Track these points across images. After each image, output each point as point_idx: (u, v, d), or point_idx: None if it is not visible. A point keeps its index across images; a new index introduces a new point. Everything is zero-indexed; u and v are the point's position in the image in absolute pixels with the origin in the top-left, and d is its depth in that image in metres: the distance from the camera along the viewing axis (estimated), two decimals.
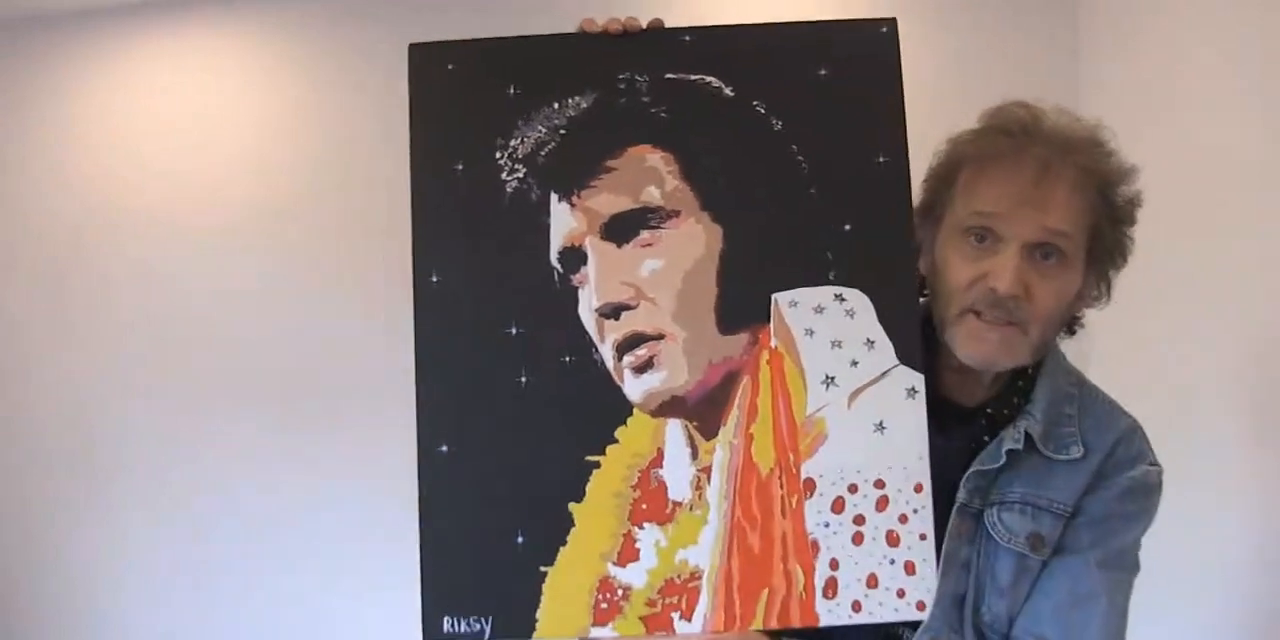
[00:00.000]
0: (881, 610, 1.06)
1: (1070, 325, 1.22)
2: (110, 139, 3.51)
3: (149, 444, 3.46)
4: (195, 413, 3.42)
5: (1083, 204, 1.11)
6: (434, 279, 1.09)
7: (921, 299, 1.17)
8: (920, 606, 1.06)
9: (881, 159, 1.08)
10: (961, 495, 1.14)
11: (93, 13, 3.49)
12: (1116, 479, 1.15)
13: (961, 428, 1.18)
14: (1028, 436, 1.14)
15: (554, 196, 1.09)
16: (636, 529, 1.07)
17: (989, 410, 1.18)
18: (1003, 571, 1.13)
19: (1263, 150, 1.93)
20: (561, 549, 1.07)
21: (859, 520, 1.07)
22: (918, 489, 1.07)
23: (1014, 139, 1.12)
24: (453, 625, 1.07)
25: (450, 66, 1.11)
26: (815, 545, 1.06)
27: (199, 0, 3.45)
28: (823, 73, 1.10)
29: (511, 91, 1.10)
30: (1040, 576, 1.14)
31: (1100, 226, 1.13)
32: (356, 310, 3.30)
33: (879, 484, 1.07)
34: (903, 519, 1.07)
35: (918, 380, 1.07)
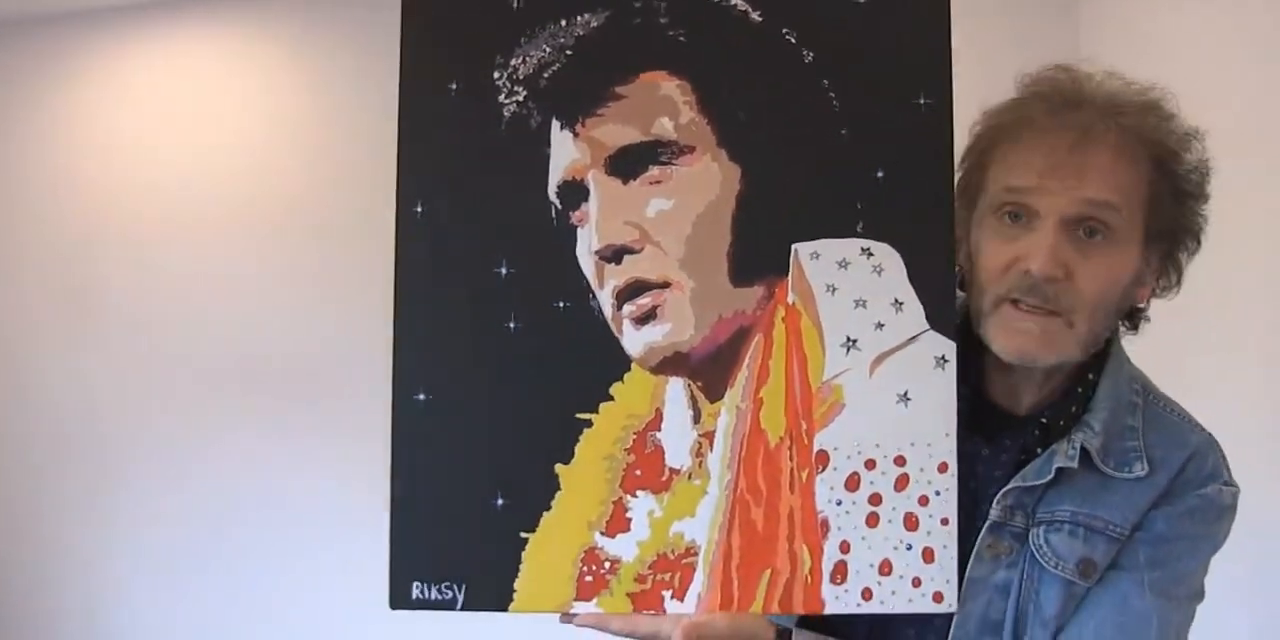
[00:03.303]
0: (894, 600, 0.95)
1: (1132, 318, 1.08)
2: (111, 139, 3.52)
3: (152, 443, 3.47)
4: (197, 412, 3.44)
5: (1132, 172, 0.98)
6: (418, 209, 0.99)
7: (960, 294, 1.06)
8: (938, 598, 0.95)
9: (924, 100, 0.96)
10: (995, 513, 1.03)
11: (93, 13, 3.50)
12: (1184, 497, 1.03)
13: (1012, 438, 1.05)
14: (1083, 451, 1.01)
15: (556, 124, 0.98)
16: (628, 497, 0.97)
17: (1044, 419, 1.04)
18: (1048, 600, 1.01)
19: (1266, 145, 1.91)
20: (545, 514, 0.97)
21: (875, 500, 0.96)
22: (941, 469, 0.96)
23: (1050, 105, 1.00)
24: (422, 591, 0.97)
25: None
26: (825, 525, 0.96)
27: (191, 4, 3.45)
28: (861, 0, 0.98)
29: (515, 4, 0.99)
30: (1086, 592, 1.02)
31: (1159, 200, 1.00)
32: (359, 310, 3.17)
33: (899, 461, 0.96)
34: (923, 501, 0.96)
35: (949, 348, 0.96)
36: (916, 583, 0.95)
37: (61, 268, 3.56)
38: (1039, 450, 1.03)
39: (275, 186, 3.40)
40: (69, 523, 3.52)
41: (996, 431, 1.06)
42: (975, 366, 1.05)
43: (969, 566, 1.02)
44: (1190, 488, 1.03)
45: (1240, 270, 1.99)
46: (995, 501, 1.02)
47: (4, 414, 3.63)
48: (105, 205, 3.51)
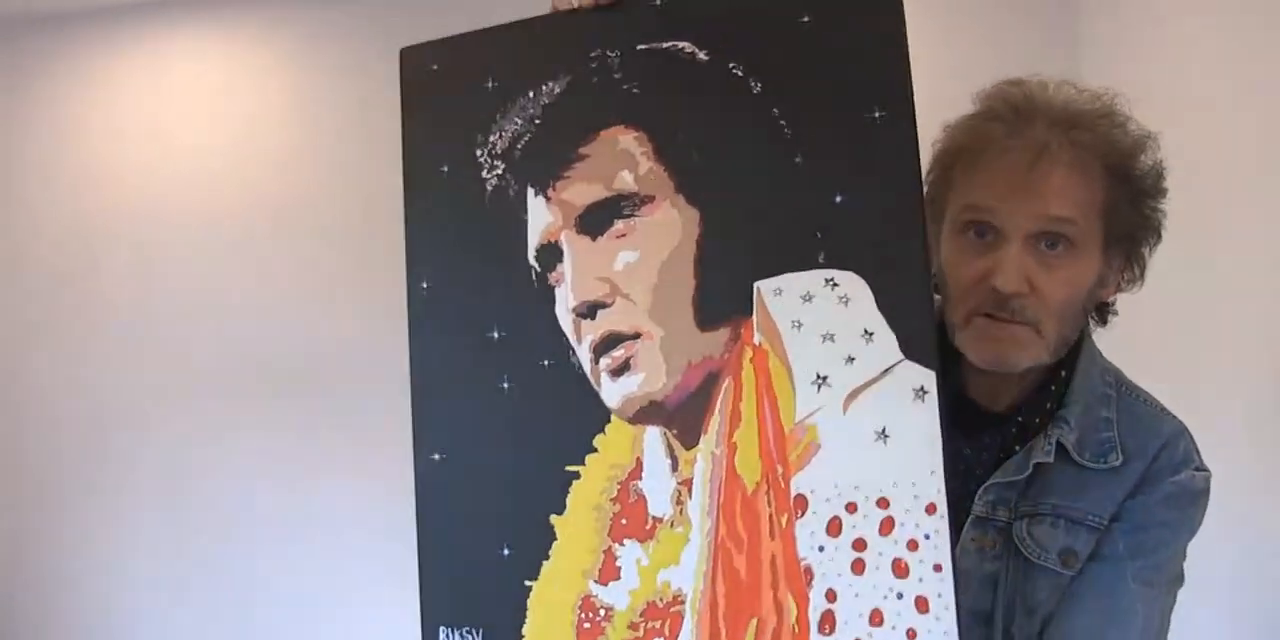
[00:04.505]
0: None
1: (1100, 313, 1.12)
2: (111, 139, 3.57)
3: (156, 444, 3.50)
4: (200, 412, 3.45)
5: (1088, 185, 1.01)
6: (424, 285, 1.08)
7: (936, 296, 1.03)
8: None
9: (877, 113, 0.90)
10: (979, 507, 1.05)
11: (93, 13, 3.54)
12: (1159, 484, 1.05)
13: (991, 435, 1.07)
14: (1059, 446, 1.04)
15: (530, 191, 1.04)
16: (617, 545, 0.99)
17: (1020, 418, 1.07)
18: (1034, 590, 1.04)
19: (1266, 147, 1.88)
20: (545, 563, 1.01)
21: (859, 545, 0.90)
22: (929, 510, 0.88)
23: (1006, 124, 1.03)
24: (448, 636, 1.05)
25: (435, 67, 1.10)
26: (808, 572, 0.91)
27: (197, 2, 3.51)
28: (805, 19, 0.94)
29: (490, 85, 1.06)
30: (1071, 584, 1.04)
31: (1116, 207, 1.03)
32: (361, 309, 3.20)
33: (882, 503, 0.89)
34: (912, 545, 0.88)
35: (927, 378, 0.88)
36: (911, 635, 0.88)
37: (68, 268, 3.56)
38: (1017, 447, 1.06)
39: (274, 187, 3.43)
40: (79, 524, 3.53)
41: (977, 430, 1.08)
42: (954, 368, 1.06)
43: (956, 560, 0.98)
44: (1164, 475, 1.04)
45: (1239, 268, 2.01)
46: (977, 497, 1.05)
47: (12, 415, 3.62)
48: (114, 205, 3.52)
